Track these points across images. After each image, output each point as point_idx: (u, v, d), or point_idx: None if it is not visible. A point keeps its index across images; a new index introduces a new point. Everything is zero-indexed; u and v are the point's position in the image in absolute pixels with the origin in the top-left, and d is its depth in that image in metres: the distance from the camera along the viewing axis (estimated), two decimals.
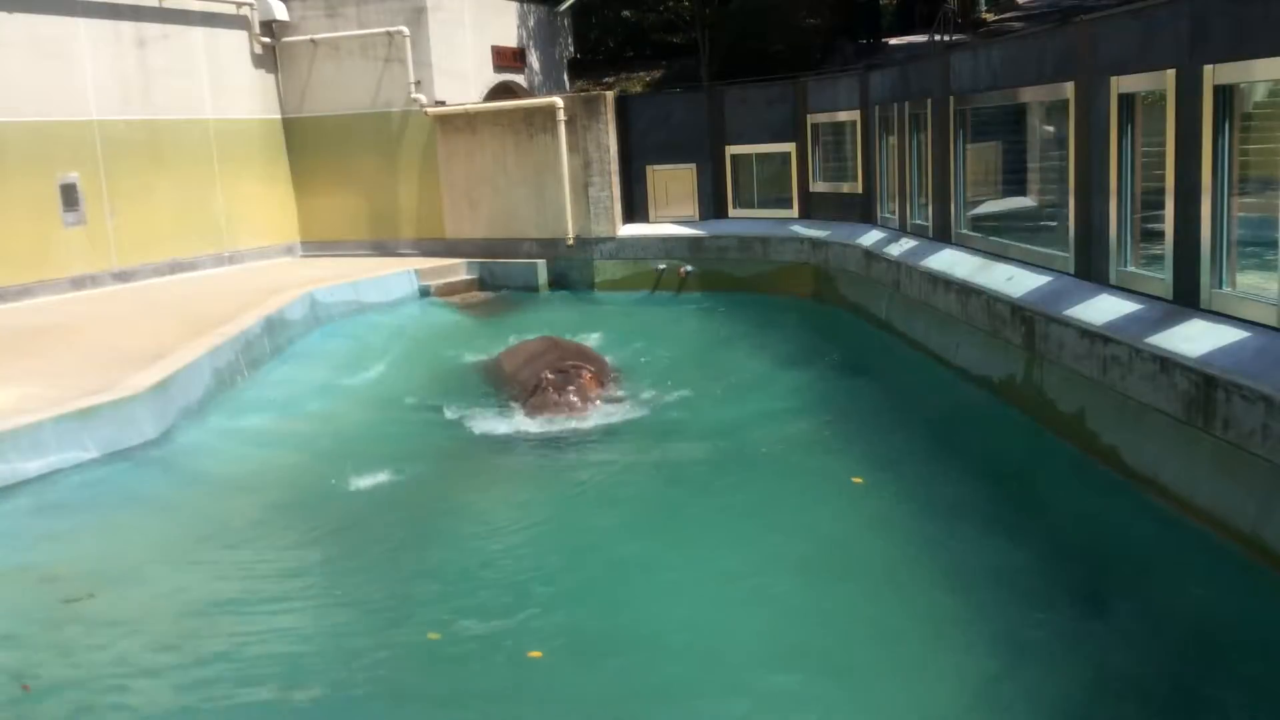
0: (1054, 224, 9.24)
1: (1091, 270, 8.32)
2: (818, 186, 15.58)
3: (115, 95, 15.70)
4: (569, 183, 16.74)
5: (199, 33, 16.98)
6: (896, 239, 12.71)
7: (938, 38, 22.15)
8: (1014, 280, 9.21)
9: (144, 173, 16.12)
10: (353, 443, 9.23)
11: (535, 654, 5.35)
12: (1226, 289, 6.68)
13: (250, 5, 17.71)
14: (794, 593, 6.02)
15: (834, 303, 14.45)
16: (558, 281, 17.07)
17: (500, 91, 19.38)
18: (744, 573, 6.27)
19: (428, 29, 17.52)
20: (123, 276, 15.83)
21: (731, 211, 16.57)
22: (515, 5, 20.21)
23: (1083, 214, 8.42)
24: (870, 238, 13.50)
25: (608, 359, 11.38)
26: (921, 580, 6.10)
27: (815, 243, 14.95)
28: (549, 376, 9.80)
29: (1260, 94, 6.51)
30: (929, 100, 11.65)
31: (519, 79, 20.15)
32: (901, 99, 12.65)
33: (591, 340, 12.85)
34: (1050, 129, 9.39)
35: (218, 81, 17.37)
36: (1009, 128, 10.41)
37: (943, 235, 11.51)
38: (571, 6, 21.96)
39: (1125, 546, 6.37)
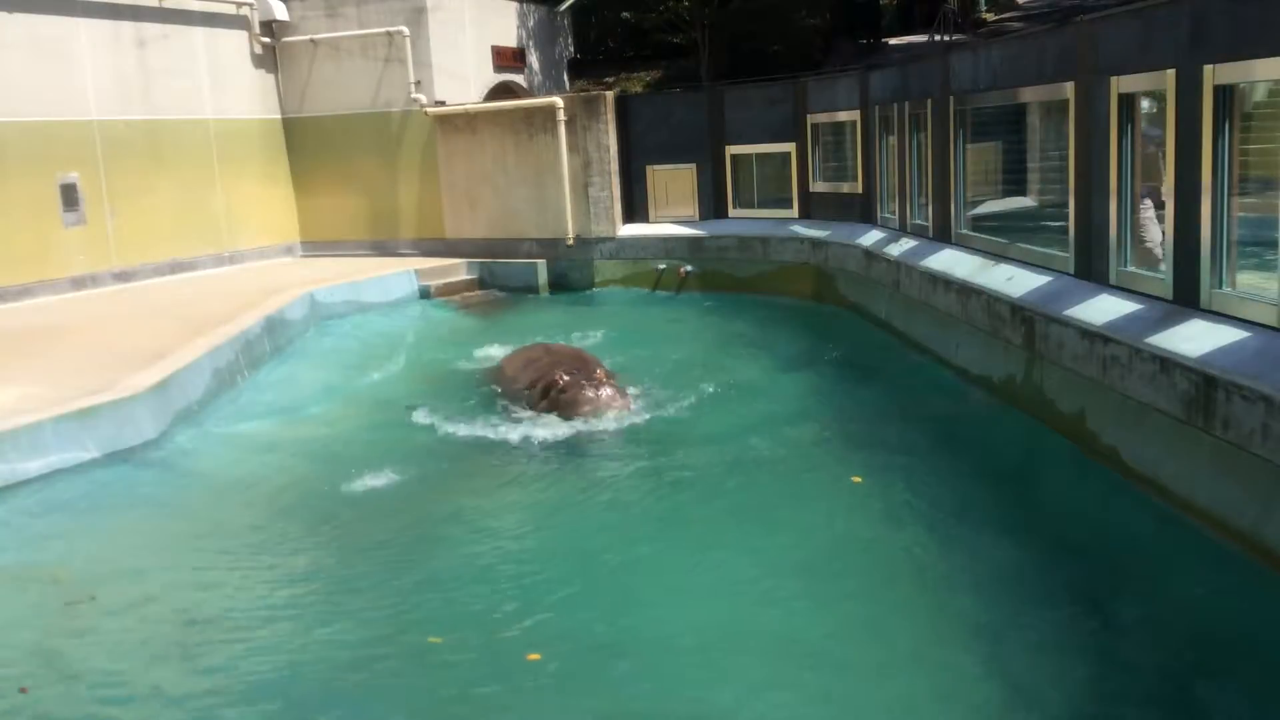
0: (1054, 224, 9.24)
1: (1091, 270, 8.32)
2: (818, 186, 15.57)
3: (115, 95, 15.71)
4: (569, 183, 16.73)
5: (199, 33, 16.98)
6: (896, 239, 12.70)
7: (937, 38, 22.17)
8: (1014, 280, 9.21)
9: (144, 173, 16.13)
10: (353, 443, 9.22)
11: (534, 656, 5.34)
12: (1226, 289, 6.68)
13: (250, 5, 17.71)
14: (796, 594, 6.01)
15: (834, 303, 14.44)
16: (558, 281, 17.06)
17: (500, 91, 19.38)
18: (744, 573, 6.26)
19: (428, 29, 17.52)
20: (123, 276, 15.84)
21: (731, 211, 16.56)
22: (515, 5, 20.21)
23: (1083, 214, 8.42)
24: (870, 238, 13.50)
25: (606, 361, 11.33)
26: (922, 580, 6.11)
27: (815, 243, 14.94)
28: (564, 377, 9.47)
29: (1260, 94, 6.51)
30: (929, 100, 11.65)
31: (519, 79, 20.15)
32: (901, 99, 12.65)
33: (592, 340, 12.84)
34: (1050, 129, 9.39)
35: (218, 81, 17.38)
36: (1009, 128, 10.41)
37: (943, 235, 11.51)
38: (571, 6, 21.97)
39: (1125, 546, 6.36)
